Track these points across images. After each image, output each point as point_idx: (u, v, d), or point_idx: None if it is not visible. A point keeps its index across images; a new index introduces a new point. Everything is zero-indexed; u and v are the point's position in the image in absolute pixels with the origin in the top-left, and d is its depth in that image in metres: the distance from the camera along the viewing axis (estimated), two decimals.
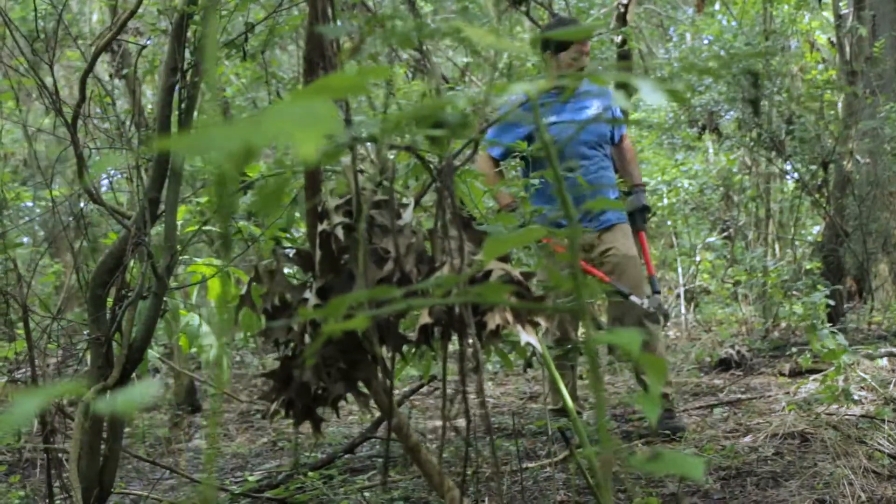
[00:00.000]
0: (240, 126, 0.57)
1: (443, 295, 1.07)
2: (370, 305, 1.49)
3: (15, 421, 0.59)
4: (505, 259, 1.44)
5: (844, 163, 7.74)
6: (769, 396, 5.16)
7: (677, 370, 6.37)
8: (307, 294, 1.49)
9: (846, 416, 4.18)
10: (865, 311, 7.47)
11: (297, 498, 3.94)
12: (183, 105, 3.57)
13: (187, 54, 3.53)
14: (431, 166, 1.32)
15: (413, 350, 1.47)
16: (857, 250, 7.56)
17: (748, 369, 6.14)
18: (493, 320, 1.40)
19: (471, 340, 1.55)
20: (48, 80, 4.20)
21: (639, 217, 4.92)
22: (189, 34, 3.62)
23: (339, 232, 1.42)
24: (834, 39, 8.83)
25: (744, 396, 5.24)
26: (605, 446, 0.76)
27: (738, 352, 6.36)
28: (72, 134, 3.51)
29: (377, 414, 5.03)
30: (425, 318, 1.36)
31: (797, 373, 5.63)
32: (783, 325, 8.01)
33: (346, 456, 4.71)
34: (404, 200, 1.48)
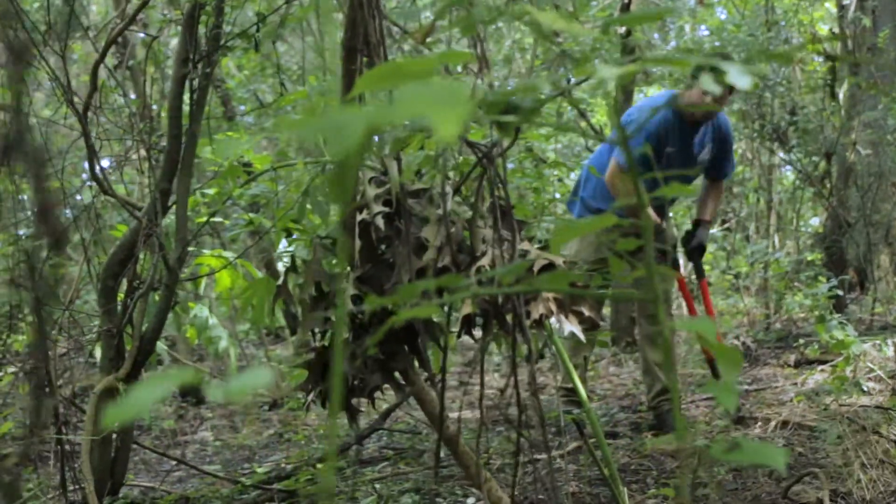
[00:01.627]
0: (372, 107, 0.56)
1: (506, 284, 1.07)
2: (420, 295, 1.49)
3: (137, 407, 0.58)
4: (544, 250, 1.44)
5: (847, 154, 7.74)
6: (776, 387, 5.16)
7: (683, 361, 6.38)
8: (345, 283, 1.48)
9: (856, 407, 4.19)
10: (867, 302, 7.48)
11: (308, 489, 3.94)
12: (194, 95, 3.56)
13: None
14: (478, 154, 1.31)
15: (457, 340, 1.46)
16: (860, 241, 7.57)
17: (753, 360, 6.15)
18: (537, 310, 1.39)
19: (509, 329, 1.54)
20: (48, 72, 4.18)
21: (697, 256, 4.53)
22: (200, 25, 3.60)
23: (380, 221, 1.41)
24: (836, 30, 8.82)
25: (751, 388, 5.24)
26: (681, 436, 0.75)
27: (743, 343, 6.37)
28: (83, 125, 3.49)
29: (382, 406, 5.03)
30: (468, 309, 1.36)
31: (803, 363, 5.63)
32: (784, 316, 8.02)
33: (355, 447, 4.70)
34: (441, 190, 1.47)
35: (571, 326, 1.41)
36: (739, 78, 0.68)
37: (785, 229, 10.36)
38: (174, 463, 4.66)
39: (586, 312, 1.41)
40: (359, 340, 1.51)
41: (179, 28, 5.75)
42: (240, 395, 0.59)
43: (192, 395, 6.54)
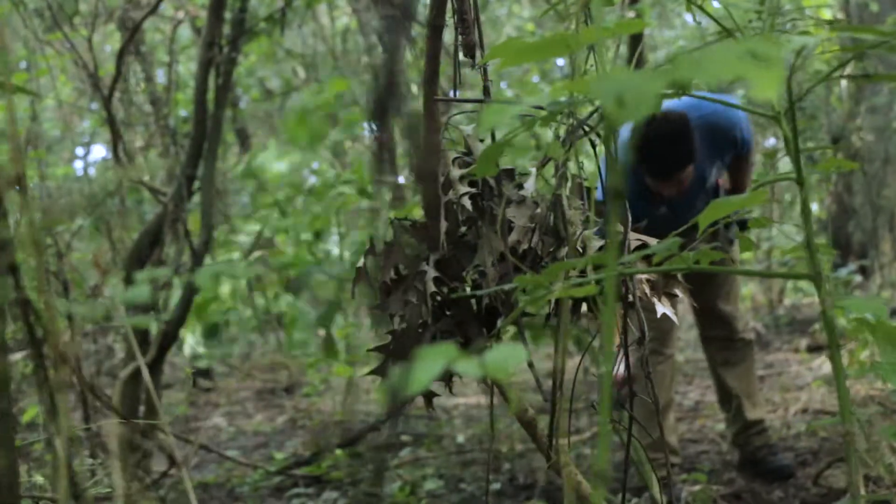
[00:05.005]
0: (673, 67, 0.55)
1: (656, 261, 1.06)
2: (483, 275, 1.48)
3: (421, 382, 0.57)
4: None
5: (853, 139, 7.75)
6: (791, 372, 5.18)
7: (693, 346, 6.39)
8: (424, 266, 1.47)
9: (874, 392, 4.21)
10: (872, 287, 7.50)
11: (332, 475, 3.94)
12: (220, 81, 3.54)
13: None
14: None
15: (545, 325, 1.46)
16: (866, 227, 7.59)
17: (763, 345, 6.16)
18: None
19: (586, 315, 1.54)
20: (55, 60, 4.14)
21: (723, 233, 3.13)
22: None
23: (467, 202, 1.40)
24: (840, 16, 8.80)
25: (764, 373, 5.26)
26: (846, 419, 0.75)
27: (753, 328, 6.37)
28: (107, 110, 3.47)
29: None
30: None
31: (815, 348, 5.65)
32: (787, 301, 8.04)
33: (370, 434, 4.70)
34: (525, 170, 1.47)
35: (664, 308, 1.41)
36: None
37: (786, 215, 10.35)
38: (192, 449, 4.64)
39: (679, 294, 1.41)
40: (438, 323, 1.50)
41: (183, 15, 5.70)
42: (497, 371, 0.58)
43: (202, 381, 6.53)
